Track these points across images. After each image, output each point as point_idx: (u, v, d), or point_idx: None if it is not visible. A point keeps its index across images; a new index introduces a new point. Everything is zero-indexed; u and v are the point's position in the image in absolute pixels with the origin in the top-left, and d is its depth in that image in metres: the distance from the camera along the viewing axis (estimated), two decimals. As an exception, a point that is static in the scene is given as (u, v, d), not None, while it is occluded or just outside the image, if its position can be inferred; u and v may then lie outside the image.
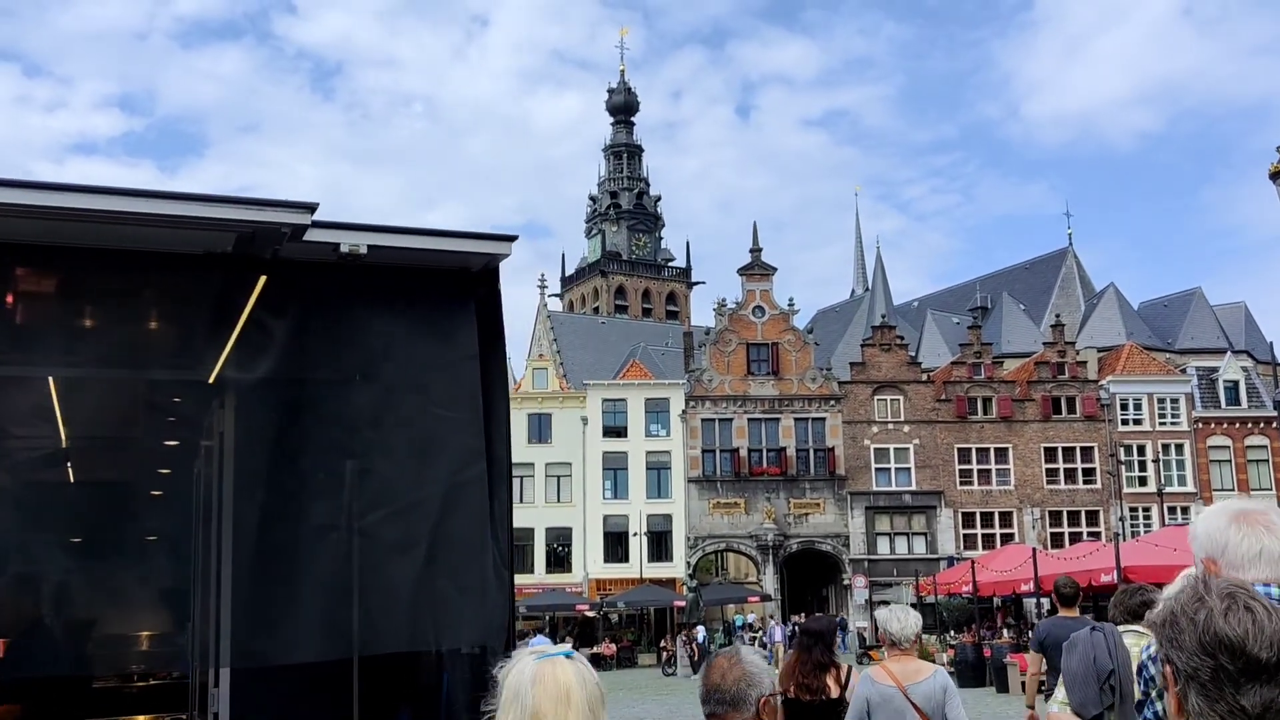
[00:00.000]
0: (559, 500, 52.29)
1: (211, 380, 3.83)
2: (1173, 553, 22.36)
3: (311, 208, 3.25)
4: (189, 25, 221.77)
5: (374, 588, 3.36)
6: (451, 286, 3.65)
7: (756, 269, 54.88)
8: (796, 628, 45.81)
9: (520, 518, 53.02)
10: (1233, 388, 55.65)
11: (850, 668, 6.55)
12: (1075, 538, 49.03)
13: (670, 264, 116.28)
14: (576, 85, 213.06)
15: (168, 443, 6.27)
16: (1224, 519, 2.49)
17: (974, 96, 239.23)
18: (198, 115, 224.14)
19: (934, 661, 7.24)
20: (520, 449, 52.21)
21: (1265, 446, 54.54)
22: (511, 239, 3.57)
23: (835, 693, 6.18)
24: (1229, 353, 58.22)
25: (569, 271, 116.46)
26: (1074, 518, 52.84)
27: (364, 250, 3.36)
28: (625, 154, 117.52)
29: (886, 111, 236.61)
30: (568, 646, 2.35)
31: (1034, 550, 25.98)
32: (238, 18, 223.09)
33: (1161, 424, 54.16)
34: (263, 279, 3.52)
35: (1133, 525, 51.62)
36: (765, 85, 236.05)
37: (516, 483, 52.42)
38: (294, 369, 3.53)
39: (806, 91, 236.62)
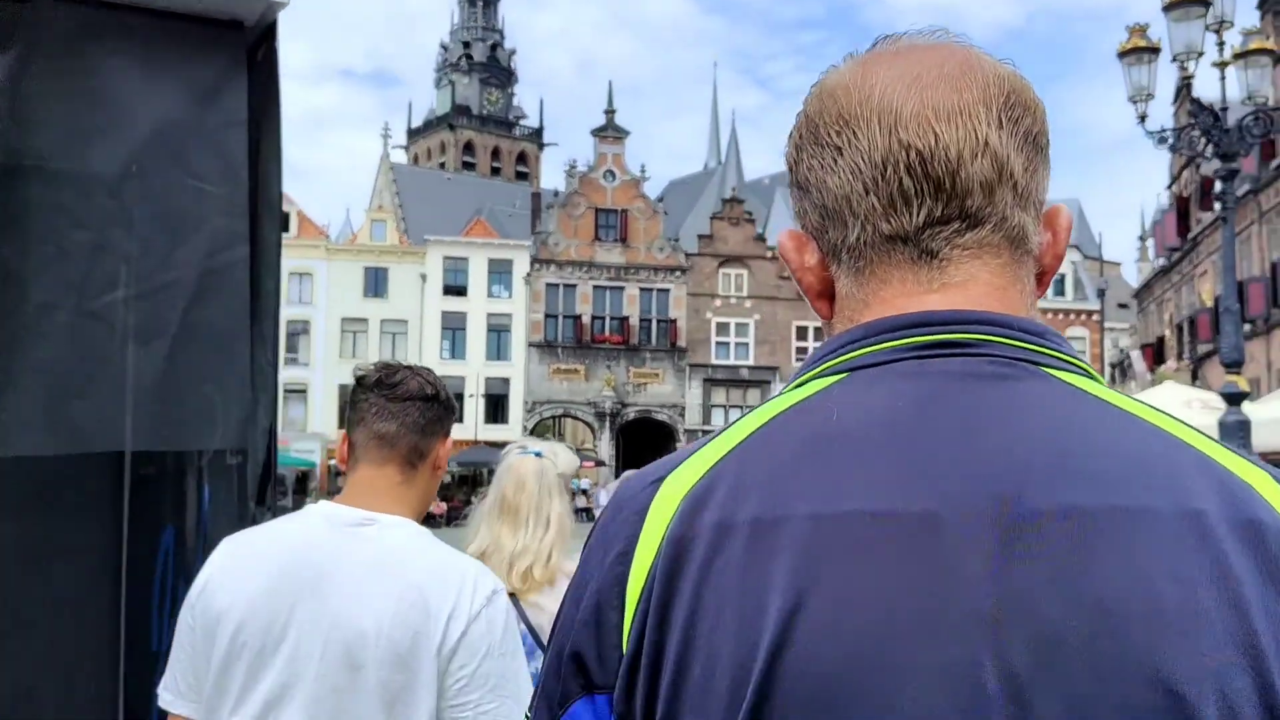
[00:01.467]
0: (394, 358, 51.09)
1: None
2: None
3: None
4: None
5: (107, 378, 2.85)
6: (219, 39, 3.08)
7: (610, 131, 53.93)
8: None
9: (351, 374, 51.61)
10: (1059, 280, 58.05)
11: None
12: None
13: (522, 122, 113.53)
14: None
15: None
16: None
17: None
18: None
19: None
20: (355, 303, 50.90)
21: (1084, 338, 57.26)
22: (290, -17, 3.01)
23: None
24: (1057, 246, 60.53)
25: (416, 123, 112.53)
26: (900, 397, 54.67)
27: (104, -25, 2.77)
28: (480, 1, 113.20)
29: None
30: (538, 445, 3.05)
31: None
32: None
33: (989, 311, 56.18)
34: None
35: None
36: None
37: (349, 337, 51.24)
38: (28, 123, 2.93)
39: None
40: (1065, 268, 58.13)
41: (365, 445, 2.03)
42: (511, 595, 2.33)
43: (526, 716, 0.85)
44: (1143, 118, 12.87)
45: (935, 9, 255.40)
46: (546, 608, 2.74)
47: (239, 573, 1.94)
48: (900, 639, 0.70)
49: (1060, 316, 57.21)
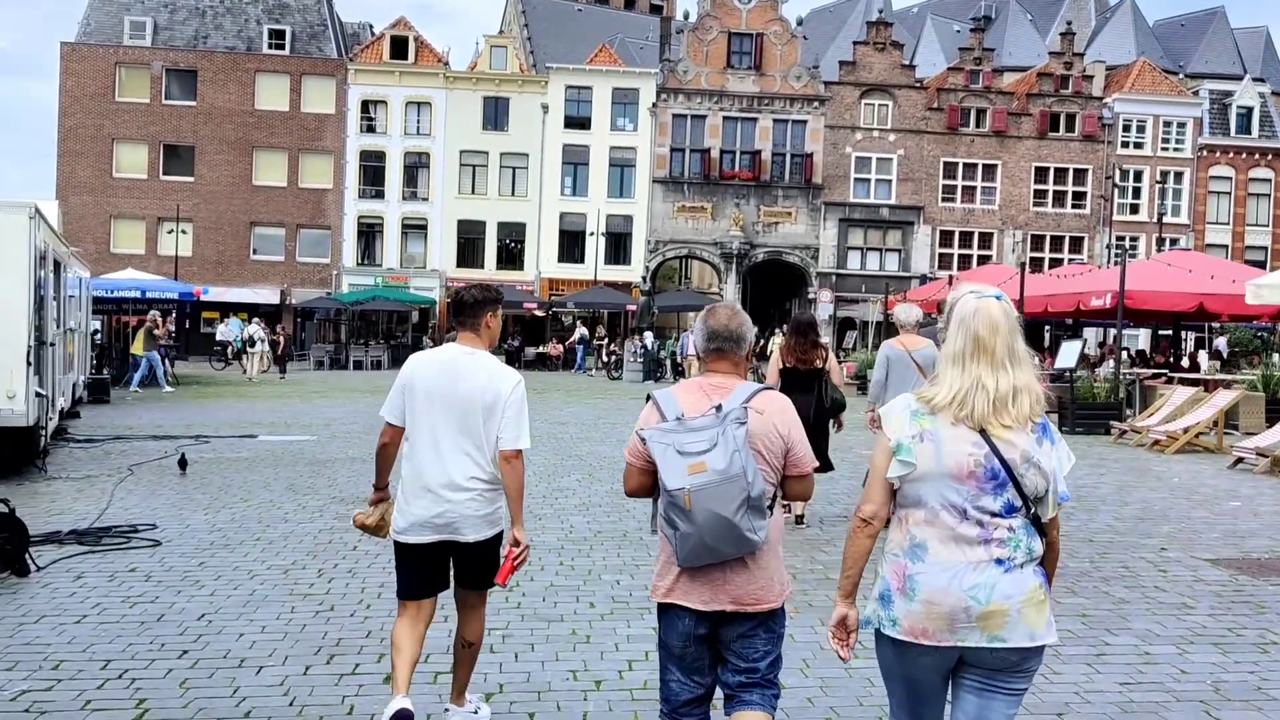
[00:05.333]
0: (513, 194, 48.79)
1: None
2: (1187, 275, 19.48)
3: None
4: None
5: None
6: None
7: (745, -52, 49.21)
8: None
9: (472, 209, 49.88)
10: (1245, 115, 51.76)
11: (828, 350, 9.42)
12: (1055, 264, 46.47)
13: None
14: None
15: None
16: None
17: None
18: None
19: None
20: (473, 135, 48.36)
21: (1269, 180, 51.34)
22: None
23: (820, 364, 9.14)
24: (1246, 78, 53.85)
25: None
26: (1056, 243, 50.09)
27: None
28: None
29: None
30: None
31: (1021, 269, 23.03)
32: None
33: (1164, 149, 50.55)
34: None
35: (1116, 255, 49.01)
36: None
37: (468, 171, 48.89)
38: None
39: None
40: (1252, 100, 51.71)
41: (462, 326, 4.63)
42: (981, 431, 2.96)
43: None
44: None
45: None
46: (1018, 444, 2.95)
47: (423, 367, 4.55)
48: None
49: (1243, 156, 51.21)
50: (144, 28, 48.38)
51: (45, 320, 12.65)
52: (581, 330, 43.74)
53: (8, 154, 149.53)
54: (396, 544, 4.55)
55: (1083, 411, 17.82)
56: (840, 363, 22.70)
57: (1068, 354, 18.26)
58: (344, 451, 14.72)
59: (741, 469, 3.25)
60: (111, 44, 47.77)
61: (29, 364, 11.61)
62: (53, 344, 12.96)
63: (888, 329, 37.90)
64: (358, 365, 42.04)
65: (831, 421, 9.39)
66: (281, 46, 48.97)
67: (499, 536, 4.57)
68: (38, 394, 11.92)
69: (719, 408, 3.37)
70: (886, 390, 9.10)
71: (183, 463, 12.16)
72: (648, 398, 3.54)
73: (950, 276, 28.06)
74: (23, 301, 11.51)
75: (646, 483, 3.48)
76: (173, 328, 37.85)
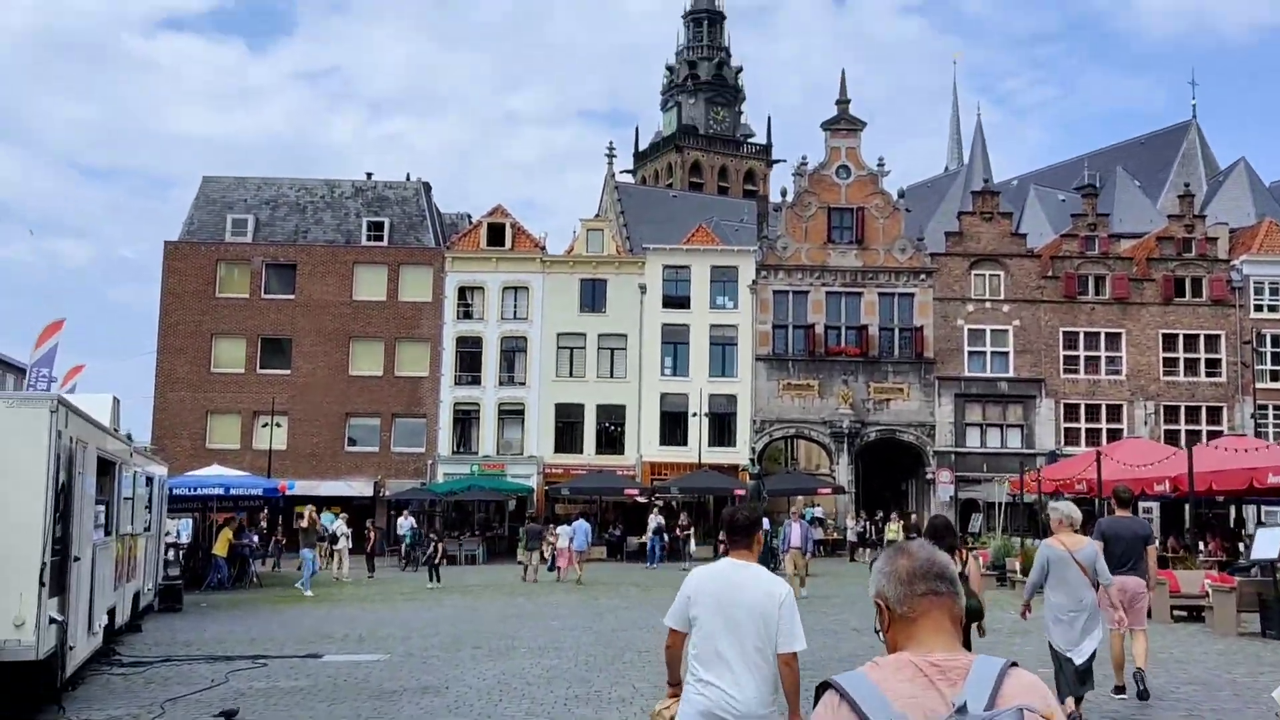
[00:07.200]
0: (612, 375, 47.38)
1: None
2: None
3: None
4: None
5: None
6: None
7: (843, 123, 48.51)
8: (868, 524, 41.02)
9: (570, 392, 48.50)
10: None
11: (968, 552, 10.07)
12: (1193, 436, 43.05)
13: (749, 140, 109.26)
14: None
15: None
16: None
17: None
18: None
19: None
20: (571, 317, 47.42)
21: None
22: None
23: (958, 569, 6.91)
24: (1382, 234, 50.66)
25: (643, 147, 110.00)
26: (1192, 414, 46.62)
27: None
28: (706, 20, 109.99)
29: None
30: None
31: (1189, 448, 20.26)
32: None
33: (1301, 311, 47.29)
34: None
35: (1260, 425, 45.36)
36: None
37: (565, 354, 47.75)
38: None
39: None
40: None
41: (735, 544, 5.26)
42: None
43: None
44: None
45: (1185, 14, 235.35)
46: None
47: (706, 580, 5.11)
48: None
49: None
50: (245, 225, 49.09)
51: (74, 531, 10.90)
52: (657, 519, 40.39)
53: (125, 354, 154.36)
54: None
55: (1295, 613, 14.87)
56: (969, 549, 20.05)
57: (1267, 542, 15.43)
58: (416, 678, 12.48)
59: None
60: (214, 241, 48.44)
61: (42, 584, 9.78)
62: (78, 558, 11.14)
63: (1017, 512, 34.86)
64: (451, 560, 40.03)
65: (974, 627, 8.42)
66: (380, 238, 49.17)
67: None
68: (52, 620, 10.05)
69: (962, 709, 2.18)
70: (1045, 591, 9.11)
71: (228, 715, 9.96)
72: (823, 687, 2.29)
73: (1098, 452, 25.15)
74: (38, 511, 9.77)
75: None
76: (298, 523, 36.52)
